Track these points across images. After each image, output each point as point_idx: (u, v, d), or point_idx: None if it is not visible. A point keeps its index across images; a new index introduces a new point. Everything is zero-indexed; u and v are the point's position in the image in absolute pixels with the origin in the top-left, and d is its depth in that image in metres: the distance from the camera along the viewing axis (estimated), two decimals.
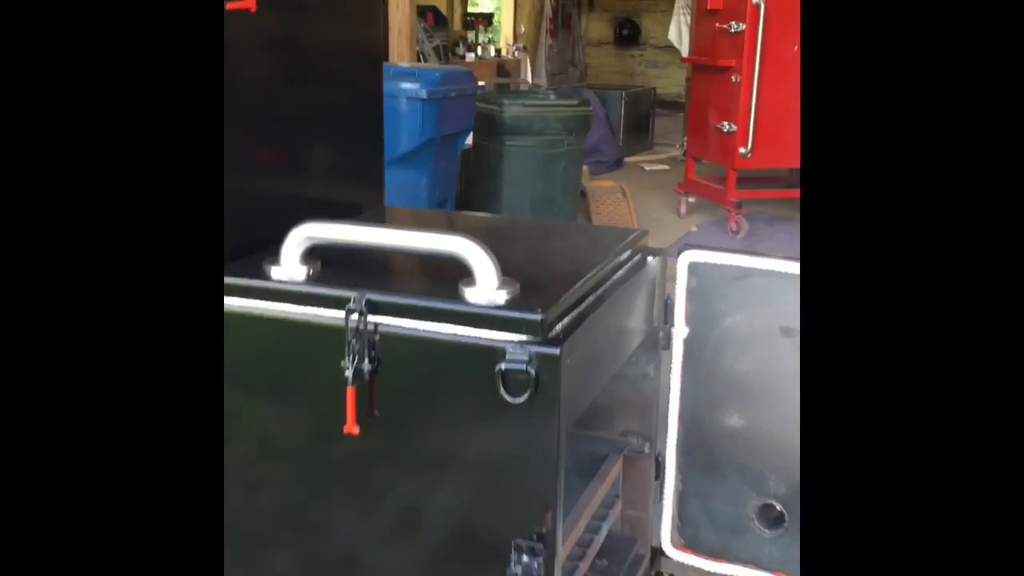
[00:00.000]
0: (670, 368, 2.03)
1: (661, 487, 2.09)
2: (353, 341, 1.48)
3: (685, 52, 10.15)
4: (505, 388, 1.42)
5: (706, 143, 6.91)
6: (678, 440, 2.07)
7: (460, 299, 1.48)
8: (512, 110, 5.52)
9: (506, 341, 1.43)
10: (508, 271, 1.51)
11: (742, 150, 6.41)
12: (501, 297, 1.48)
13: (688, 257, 1.99)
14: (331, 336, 1.50)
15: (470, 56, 10.56)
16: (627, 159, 9.57)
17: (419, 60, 8.18)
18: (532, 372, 1.41)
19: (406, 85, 4.57)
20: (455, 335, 1.46)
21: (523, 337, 1.42)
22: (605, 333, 1.66)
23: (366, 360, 1.48)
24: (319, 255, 1.60)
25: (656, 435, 2.08)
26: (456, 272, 1.50)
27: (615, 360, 1.77)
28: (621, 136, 9.82)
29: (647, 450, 2.07)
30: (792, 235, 6.54)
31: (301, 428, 1.59)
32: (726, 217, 6.73)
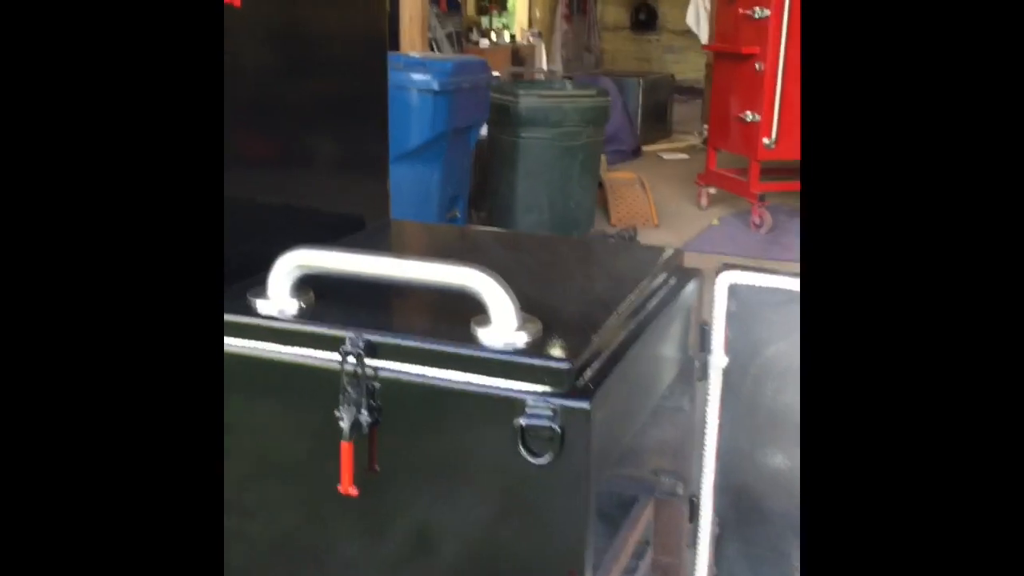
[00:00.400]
0: (706, 401, 1.83)
1: (696, 531, 1.89)
2: (349, 389, 1.28)
3: (704, 37, 9.91)
4: (525, 446, 1.22)
5: (728, 133, 6.68)
6: (715, 480, 1.86)
7: (473, 341, 1.28)
8: (528, 101, 5.31)
9: (527, 392, 1.22)
10: (529, 304, 1.31)
11: (766, 140, 6.18)
12: (521, 339, 1.27)
13: (728, 278, 1.78)
14: (325, 381, 1.30)
15: (484, 42, 10.34)
16: (644, 148, 9.34)
17: (431, 49, 7.97)
18: (557, 428, 1.20)
19: (417, 76, 4.36)
20: (467, 383, 1.26)
21: (546, 388, 1.22)
22: (640, 374, 1.46)
23: (364, 410, 1.28)
24: (312, 284, 1.40)
25: (691, 475, 1.88)
26: (469, 307, 1.29)
27: (650, 401, 1.56)
28: (639, 124, 9.58)
29: (680, 491, 1.87)
30: None
31: (293, 485, 1.40)
32: (748, 209, 6.51)
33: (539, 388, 1.22)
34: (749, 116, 6.24)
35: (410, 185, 4.47)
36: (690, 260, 1.81)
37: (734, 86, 6.52)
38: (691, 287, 1.69)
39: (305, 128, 1.74)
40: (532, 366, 1.23)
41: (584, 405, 1.20)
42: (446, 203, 4.73)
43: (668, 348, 1.63)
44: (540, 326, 1.30)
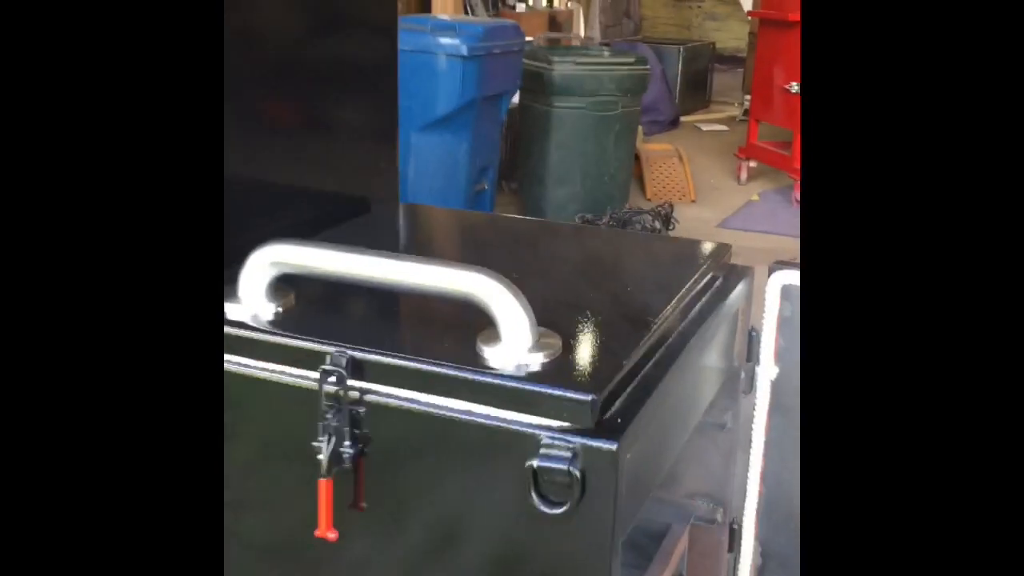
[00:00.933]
0: (752, 416, 1.60)
1: (736, 562, 1.67)
2: (329, 416, 1.07)
3: (747, 4, 9.57)
4: (538, 492, 1.00)
5: (771, 104, 6.39)
6: (759, 505, 1.64)
7: (478, 362, 1.06)
8: (563, 68, 5.05)
9: (541, 427, 1.00)
10: (547, 315, 1.09)
11: None
12: (535, 361, 1.05)
13: (780, 279, 1.55)
14: (302, 404, 1.09)
15: (520, 6, 10.02)
16: (683, 118, 9.03)
17: (465, 11, 7.70)
18: (577, 472, 0.98)
19: (445, 40, 4.13)
20: (469, 414, 1.04)
21: (565, 423, 1.00)
22: (679, 401, 1.23)
23: (347, 441, 1.07)
24: (294, 285, 1.19)
25: (731, 499, 1.66)
26: (476, 317, 1.07)
27: (688, 429, 1.34)
28: (677, 94, 9.27)
29: (720, 518, 1.65)
30: None
31: (264, 524, 1.19)
32: (791, 185, 6.22)
33: (556, 423, 1.00)
34: (795, 87, 5.95)
35: (437, 155, 4.24)
36: (728, 237, 1.57)
37: (779, 55, 6.21)
38: (740, 289, 1.46)
39: (300, 98, 1.52)
40: (548, 396, 1.00)
41: (611, 446, 0.98)
42: (475, 175, 4.51)
43: (712, 360, 1.40)
44: (560, 344, 1.08)
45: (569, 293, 1.34)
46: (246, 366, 1.13)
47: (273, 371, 1.11)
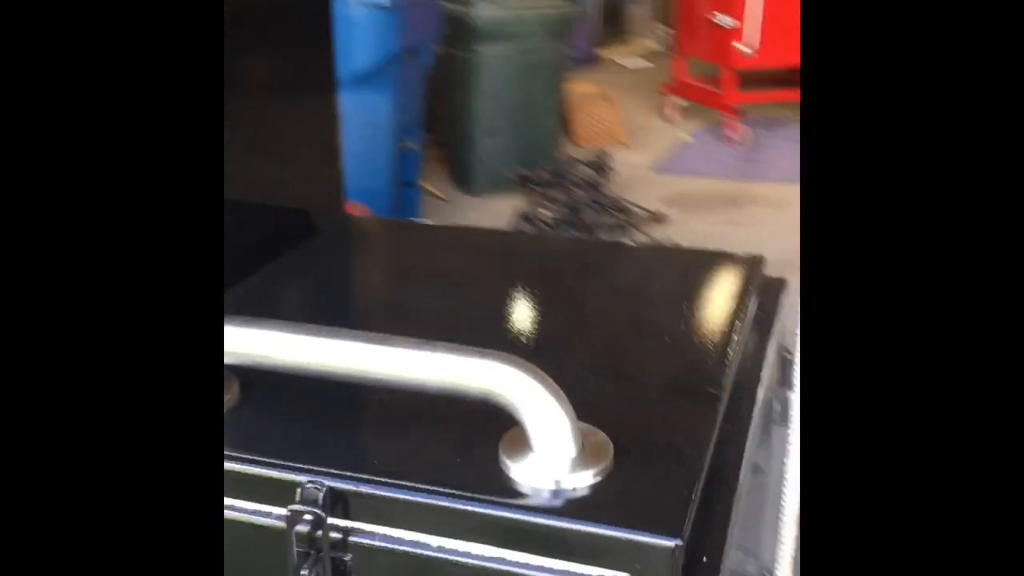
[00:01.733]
0: (786, 451, 1.36)
1: None
2: (305, 570, 0.78)
3: None
4: None
5: (697, 38, 6.12)
6: (795, 554, 1.41)
7: (502, 485, 0.78)
8: (486, 12, 4.71)
9: None
10: (578, 394, 0.81)
11: (743, 48, 5.64)
12: (582, 480, 0.78)
13: None
14: (267, 548, 0.80)
15: None
16: (601, 52, 8.72)
17: None
18: None
19: None
20: (496, 563, 0.76)
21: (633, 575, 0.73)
22: (753, 491, 0.97)
23: None
24: (235, 368, 0.89)
25: (763, 547, 1.42)
26: (495, 413, 0.79)
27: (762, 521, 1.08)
28: (594, 28, 8.95)
29: (752, 569, 1.41)
30: (796, 142, 5.83)
31: None
32: (720, 123, 6.00)
33: (620, 574, 0.73)
34: (724, 20, 5.68)
35: (357, 116, 3.88)
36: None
37: None
38: (782, 315, 1.20)
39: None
40: (607, 539, 0.73)
41: None
42: (399, 133, 4.17)
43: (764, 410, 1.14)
44: (610, 449, 0.81)
45: (597, 353, 1.04)
46: None
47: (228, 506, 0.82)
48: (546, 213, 4.27)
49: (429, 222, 4.18)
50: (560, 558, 0.74)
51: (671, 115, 6.45)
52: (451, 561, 0.77)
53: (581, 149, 5.51)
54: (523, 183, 4.64)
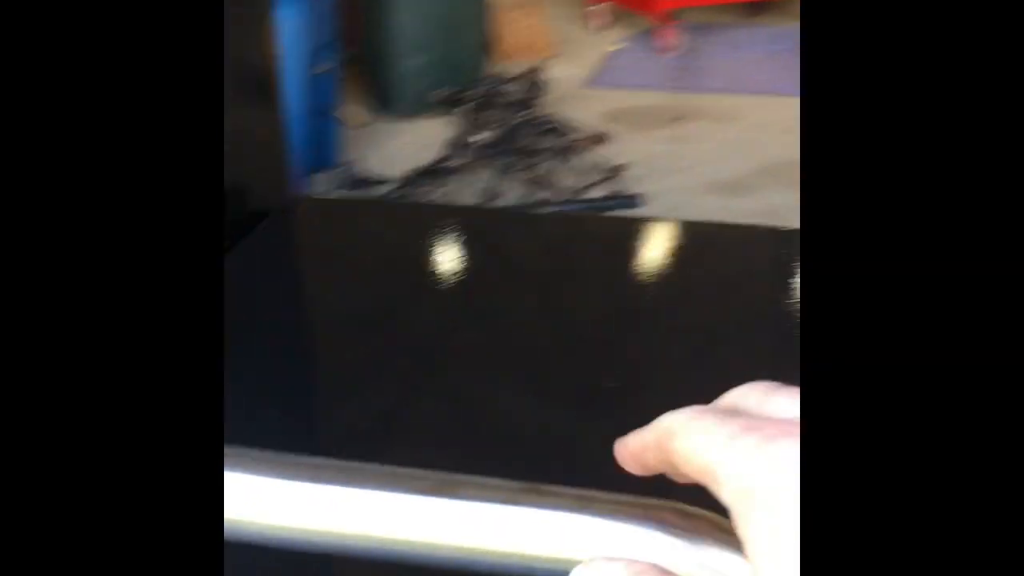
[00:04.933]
0: None
1: None
2: None
3: None
4: None
5: None
6: None
7: None
8: None
9: None
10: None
11: None
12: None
13: None
14: None
15: None
16: None
17: None
18: None
19: None
20: None
21: None
22: None
23: None
24: None
25: None
26: None
27: None
28: None
29: None
30: (737, 48, 5.53)
31: None
32: (648, 31, 5.66)
33: None
34: None
35: None
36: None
37: None
38: None
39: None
40: None
41: None
42: (312, 55, 3.75)
43: None
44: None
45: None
46: None
47: None
48: (480, 138, 3.92)
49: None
50: None
51: (599, 24, 6.08)
52: None
53: (508, 64, 5.13)
54: (452, 105, 4.27)
